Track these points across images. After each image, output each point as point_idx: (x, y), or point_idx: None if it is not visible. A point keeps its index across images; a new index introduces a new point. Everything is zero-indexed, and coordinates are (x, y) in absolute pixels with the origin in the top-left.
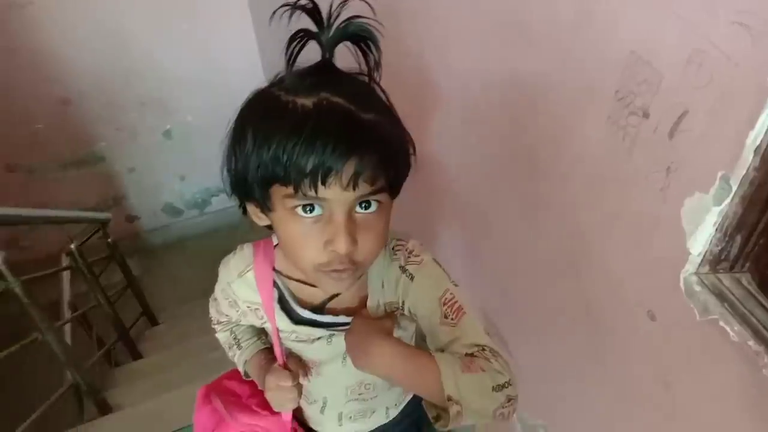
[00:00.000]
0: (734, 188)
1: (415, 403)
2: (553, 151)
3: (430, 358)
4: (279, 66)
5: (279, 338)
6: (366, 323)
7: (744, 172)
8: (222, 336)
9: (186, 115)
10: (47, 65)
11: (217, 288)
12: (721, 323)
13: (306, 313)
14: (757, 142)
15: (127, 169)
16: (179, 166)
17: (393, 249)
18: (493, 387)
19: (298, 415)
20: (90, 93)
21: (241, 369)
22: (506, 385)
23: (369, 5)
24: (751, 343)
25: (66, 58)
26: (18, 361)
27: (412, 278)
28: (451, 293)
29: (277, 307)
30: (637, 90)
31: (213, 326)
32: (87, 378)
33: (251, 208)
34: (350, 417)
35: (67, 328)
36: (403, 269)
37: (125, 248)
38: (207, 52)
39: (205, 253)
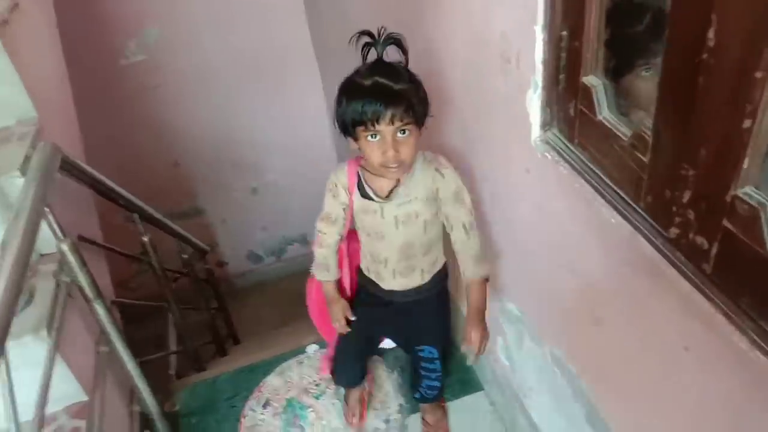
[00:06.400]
0: (539, 83)
1: (440, 277)
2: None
3: (480, 286)
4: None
5: (352, 210)
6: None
7: (540, 77)
8: (320, 252)
9: (270, 175)
10: (166, 135)
11: (327, 190)
12: (547, 154)
13: (370, 192)
14: (540, 55)
15: (221, 221)
16: (262, 218)
17: (428, 160)
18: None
19: (366, 274)
20: (195, 156)
21: (323, 280)
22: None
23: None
24: (551, 154)
25: (180, 128)
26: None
27: (443, 176)
28: (463, 190)
29: (356, 187)
30: (507, 53)
31: (318, 231)
32: (191, 347)
33: (350, 141)
34: (400, 272)
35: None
36: (437, 170)
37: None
38: (289, 124)
39: (282, 294)
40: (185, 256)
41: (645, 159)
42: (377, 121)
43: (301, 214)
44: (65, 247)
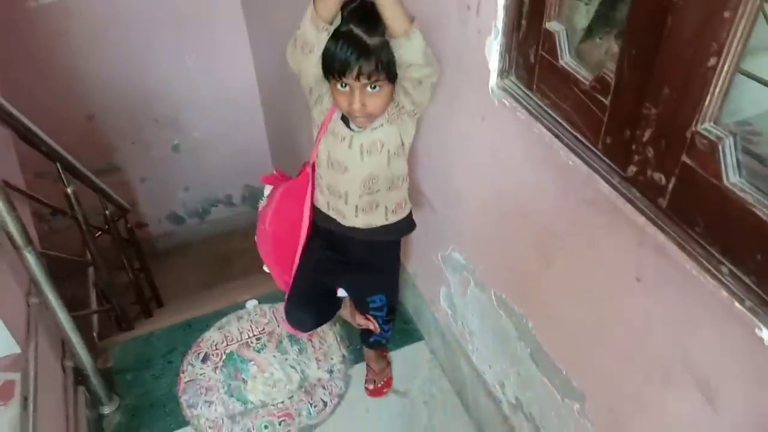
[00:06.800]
0: (500, 29)
1: (406, 225)
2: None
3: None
4: (272, 85)
5: (326, 125)
6: None
7: (501, 23)
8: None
9: (193, 132)
10: (79, 85)
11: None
12: (504, 101)
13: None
14: (502, 1)
15: (140, 179)
16: (184, 178)
17: None
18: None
19: (325, 212)
20: (111, 109)
21: None
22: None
23: None
24: (509, 101)
25: (94, 78)
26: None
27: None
28: None
29: (339, 112)
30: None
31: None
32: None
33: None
34: (363, 209)
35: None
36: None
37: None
38: (213, 76)
39: (206, 257)
40: (108, 212)
41: (606, 101)
42: (344, 74)
43: (226, 174)
44: None
